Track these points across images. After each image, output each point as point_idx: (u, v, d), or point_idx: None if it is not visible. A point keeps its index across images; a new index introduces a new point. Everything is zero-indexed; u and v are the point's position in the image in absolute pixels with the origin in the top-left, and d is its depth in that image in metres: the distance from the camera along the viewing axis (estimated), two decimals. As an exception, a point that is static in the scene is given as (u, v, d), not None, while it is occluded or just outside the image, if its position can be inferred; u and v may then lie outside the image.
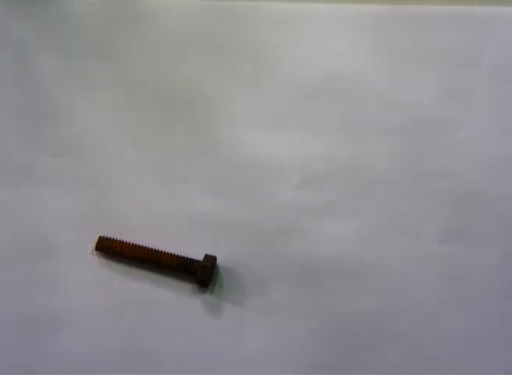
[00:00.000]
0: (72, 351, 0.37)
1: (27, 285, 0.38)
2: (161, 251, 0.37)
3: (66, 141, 0.38)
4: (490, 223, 0.38)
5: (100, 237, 0.37)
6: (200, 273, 0.36)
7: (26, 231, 0.38)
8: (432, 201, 0.38)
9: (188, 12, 0.37)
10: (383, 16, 0.37)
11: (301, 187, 0.38)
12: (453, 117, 0.38)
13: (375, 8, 0.37)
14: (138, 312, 0.36)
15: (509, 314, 0.38)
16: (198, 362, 0.35)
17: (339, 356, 0.37)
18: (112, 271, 0.37)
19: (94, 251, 0.38)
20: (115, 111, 0.38)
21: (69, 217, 0.38)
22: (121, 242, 0.37)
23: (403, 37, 0.37)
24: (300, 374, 0.37)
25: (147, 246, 0.37)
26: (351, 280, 0.38)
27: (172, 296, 0.37)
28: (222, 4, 0.37)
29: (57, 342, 0.37)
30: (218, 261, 0.37)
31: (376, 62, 0.37)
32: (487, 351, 0.38)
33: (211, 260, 0.37)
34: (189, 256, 0.37)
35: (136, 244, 0.37)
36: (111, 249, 0.37)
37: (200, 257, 0.37)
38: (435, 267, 0.38)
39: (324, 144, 0.38)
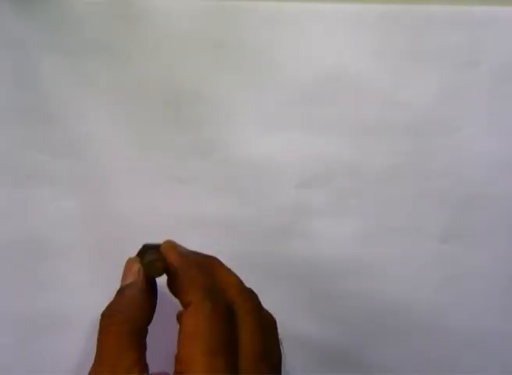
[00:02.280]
0: (72, 351, 0.37)
1: (27, 285, 0.38)
2: None
3: (66, 141, 0.38)
4: (490, 223, 0.38)
5: None
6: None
7: (26, 231, 0.38)
8: (432, 201, 0.38)
9: (188, 12, 0.37)
10: (383, 16, 0.37)
11: (301, 187, 0.38)
12: (453, 117, 0.38)
13: (375, 8, 0.37)
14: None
15: (509, 314, 0.38)
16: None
17: (339, 356, 0.37)
18: (112, 271, 0.37)
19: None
20: (115, 111, 0.38)
21: (69, 217, 0.38)
22: None
23: (403, 37, 0.37)
24: (300, 374, 0.37)
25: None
26: (351, 280, 0.38)
27: (172, 296, 0.37)
28: (222, 4, 0.37)
29: (57, 342, 0.37)
30: (218, 261, 0.37)
31: (376, 62, 0.37)
32: (487, 351, 0.38)
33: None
34: (189, 256, 0.37)
35: None
36: None
37: (200, 257, 0.37)
38: (435, 267, 0.38)
39: (324, 144, 0.38)
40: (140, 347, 0.29)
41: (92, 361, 0.32)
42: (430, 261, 0.38)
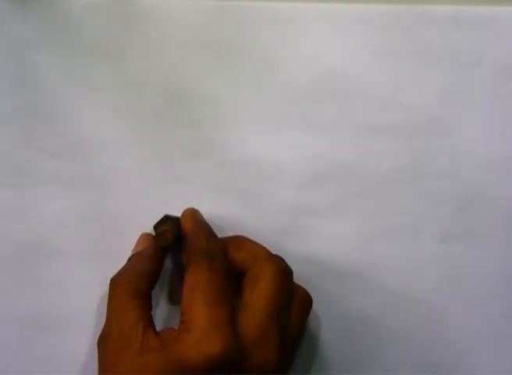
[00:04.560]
0: (72, 351, 0.37)
1: (27, 285, 0.38)
2: None
3: (66, 140, 0.38)
4: (490, 223, 0.38)
5: None
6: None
7: (25, 231, 0.38)
8: (432, 201, 0.38)
9: (188, 12, 0.37)
10: (383, 16, 0.37)
11: (301, 187, 0.38)
12: (453, 117, 0.38)
13: (375, 8, 0.37)
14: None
15: (509, 314, 0.38)
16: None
17: (338, 356, 0.37)
18: (112, 271, 0.37)
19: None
20: (115, 111, 0.38)
21: (69, 217, 0.38)
22: None
23: (403, 37, 0.37)
24: (300, 374, 0.37)
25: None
26: (351, 280, 0.38)
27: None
28: (222, 4, 0.37)
29: (57, 342, 0.37)
30: (218, 261, 0.38)
31: (376, 61, 0.37)
32: (487, 351, 0.38)
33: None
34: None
35: None
36: None
37: (200, 257, 0.37)
38: (435, 267, 0.38)
39: (324, 144, 0.38)
40: (144, 305, 0.33)
41: (91, 361, 0.32)
42: (430, 261, 0.38)
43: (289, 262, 0.35)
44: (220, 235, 0.37)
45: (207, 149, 0.38)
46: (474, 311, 0.38)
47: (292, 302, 0.34)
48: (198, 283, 0.32)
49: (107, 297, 0.33)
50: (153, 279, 0.35)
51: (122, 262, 0.35)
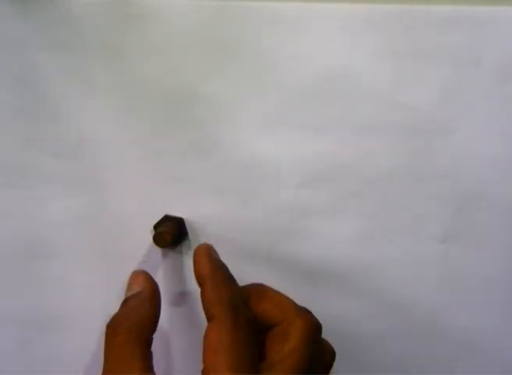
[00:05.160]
0: (72, 351, 0.37)
1: (27, 285, 0.38)
2: None
3: (66, 141, 0.38)
4: (490, 223, 0.38)
5: None
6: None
7: (26, 231, 0.38)
8: (432, 201, 0.38)
9: (188, 12, 0.37)
10: (383, 16, 0.37)
11: (301, 187, 0.38)
12: (453, 117, 0.38)
13: (375, 9, 0.37)
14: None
15: (509, 314, 0.38)
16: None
17: (338, 356, 0.37)
18: (112, 271, 0.37)
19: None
20: (115, 111, 0.38)
21: (69, 217, 0.38)
22: None
23: (403, 37, 0.37)
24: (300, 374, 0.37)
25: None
26: (351, 280, 0.38)
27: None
28: (222, 4, 0.37)
29: (57, 342, 0.37)
30: (218, 261, 0.37)
31: (376, 61, 0.37)
32: (487, 351, 0.38)
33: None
34: (189, 256, 0.37)
35: None
36: None
37: (200, 257, 0.37)
38: (435, 267, 0.38)
39: (324, 144, 0.38)
40: (147, 356, 0.29)
41: (91, 361, 0.32)
42: (430, 261, 0.38)
43: (289, 263, 0.35)
44: (220, 236, 0.37)
45: (207, 149, 0.38)
46: (475, 311, 0.38)
47: (319, 358, 0.32)
48: (223, 344, 0.29)
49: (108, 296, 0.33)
50: (154, 324, 0.31)
51: (122, 263, 0.35)
